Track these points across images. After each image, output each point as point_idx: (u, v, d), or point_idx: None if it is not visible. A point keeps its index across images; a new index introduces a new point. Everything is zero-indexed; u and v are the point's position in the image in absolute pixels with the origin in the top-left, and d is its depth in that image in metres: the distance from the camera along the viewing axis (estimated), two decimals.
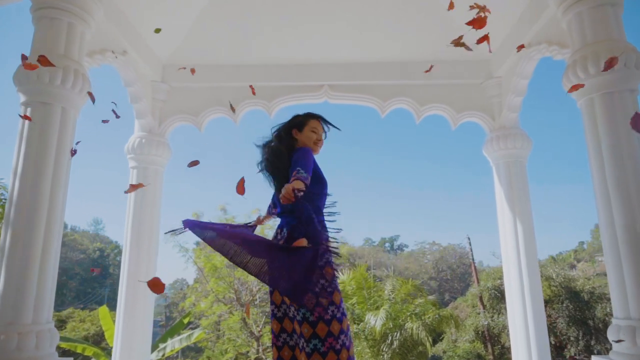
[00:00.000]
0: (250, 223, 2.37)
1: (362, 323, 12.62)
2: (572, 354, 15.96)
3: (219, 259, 16.55)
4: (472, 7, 2.39)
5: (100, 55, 3.70)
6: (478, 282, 20.56)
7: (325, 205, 2.19)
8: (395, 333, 12.28)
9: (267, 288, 18.46)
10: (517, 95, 4.32)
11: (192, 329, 20.72)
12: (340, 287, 2.08)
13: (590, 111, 2.93)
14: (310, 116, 2.46)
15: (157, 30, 3.71)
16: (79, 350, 9.86)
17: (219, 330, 21.07)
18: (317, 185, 2.17)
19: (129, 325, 4.25)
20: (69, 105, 3.06)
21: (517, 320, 4.27)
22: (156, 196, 4.58)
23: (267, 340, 15.65)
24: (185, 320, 11.49)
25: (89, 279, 42.56)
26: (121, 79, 4.31)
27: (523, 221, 4.30)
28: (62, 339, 11.02)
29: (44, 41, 3.05)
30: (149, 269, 4.45)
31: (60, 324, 24.18)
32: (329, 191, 2.21)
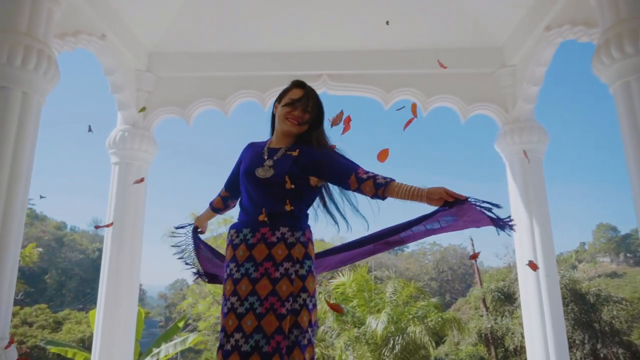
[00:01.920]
0: None
1: (362, 326, 12.25)
2: (578, 358, 15.59)
3: None
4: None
5: (73, 38, 3.33)
6: (481, 284, 20.19)
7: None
8: (397, 337, 11.90)
9: None
10: (533, 85, 3.96)
11: (190, 331, 20.46)
12: (317, 295, 1.89)
13: (627, 96, 2.56)
14: (293, 84, 2.01)
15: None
16: (69, 355, 9.49)
17: (217, 332, 20.75)
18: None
19: (109, 332, 3.90)
20: (31, 90, 2.70)
21: (534, 327, 3.89)
22: (140, 195, 4.22)
23: None
24: (180, 324, 11.13)
25: (88, 279, 42.34)
26: (101, 66, 3.95)
27: (540, 222, 3.93)
28: (53, 343, 10.68)
29: (3, 17, 2.68)
30: (131, 274, 4.09)
31: (57, 325, 23.90)
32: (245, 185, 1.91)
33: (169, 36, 4.43)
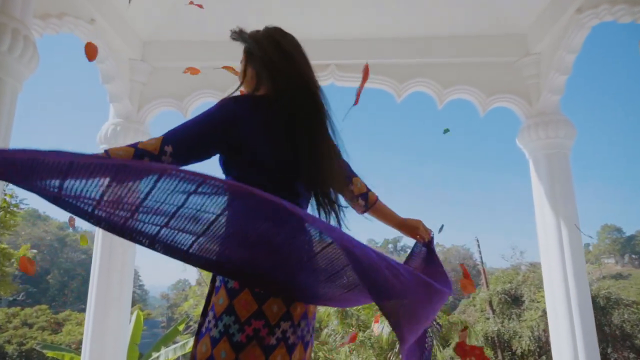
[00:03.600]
0: None
1: (367, 330, 11.93)
2: None
3: None
4: None
5: (56, 20, 3.02)
6: (487, 286, 19.82)
7: None
8: None
9: None
10: (561, 74, 3.63)
11: (192, 333, 20.15)
12: None
13: None
14: None
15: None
16: None
17: None
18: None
19: (99, 338, 3.61)
20: (6, 75, 2.39)
21: (562, 332, 3.56)
22: None
23: None
24: (181, 327, 10.82)
25: None
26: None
27: (568, 222, 3.60)
28: (50, 347, 10.37)
29: None
30: (123, 276, 3.78)
31: (57, 326, 23.66)
32: None
33: (165, 23, 4.13)
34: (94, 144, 4.01)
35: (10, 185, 7.54)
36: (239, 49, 4.65)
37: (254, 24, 4.13)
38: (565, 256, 3.56)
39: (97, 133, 3.97)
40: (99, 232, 3.84)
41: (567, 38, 3.43)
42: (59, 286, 42.58)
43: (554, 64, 3.62)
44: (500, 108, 4.10)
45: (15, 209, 6.77)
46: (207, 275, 17.33)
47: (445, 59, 4.05)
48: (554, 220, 3.65)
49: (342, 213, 1.33)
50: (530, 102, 3.94)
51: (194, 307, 21.26)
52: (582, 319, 3.44)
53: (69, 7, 3.17)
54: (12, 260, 7.04)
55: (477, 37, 4.01)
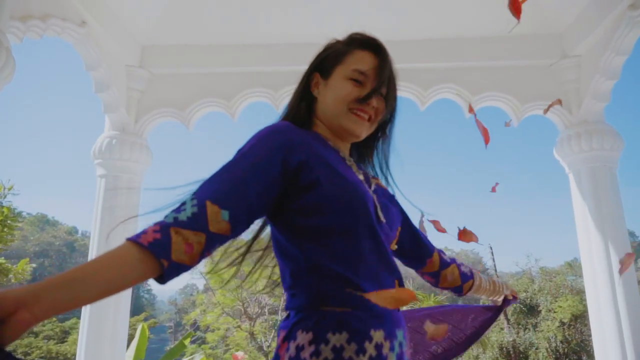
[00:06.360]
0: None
1: None
2: None
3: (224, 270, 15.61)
4: None
5: (40, 22, 2.67)
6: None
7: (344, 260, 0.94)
8: None
9: (276, 300, 17.68)
10: (607, 79, 3.22)
11: (200, 344, 19.86)
12: None
13: None
14: (356, 42, 1.10)
15: None
16: None
17: (227, 345, 20.13)
18: (316, 213, 0.94)
19: (93, 353, 3.25)
20: None
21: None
22: (130, 213, 3.54)
23: None
24: (187, 342, 10.44)
25: None
26: (82, 59, 3.29)
27: (618, 247, 3.18)
28: (52, 359, 10.05)
29: None
30: (118, 305, 3.41)
31: (63, 335, 23.40)
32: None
33: (164, 26, 3.78)
34: (89, 158, 3.66)
35: (9, 197, 7.21)
36: (245, 53, 4.14)
37: (262, 27, 3.74)
38: (616, 284, 3.14)
39: (92, 147, 3.62)
40: (93, 247, 3.50)
41: (616, 38, 3.03)
42: None
43: (599, 67, 3.21)
44: (536, 116, 3.70)
45: (11, 222, 6.42)
46: (215, 283, 16.97)
47: (474, 62, 3.66)
48: (602, 242, 3.23)
49: None
50: (570, 109, 3.53)
51: (201, 314, 20.97)
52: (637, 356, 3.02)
53: (55, 7, 2.82)
54: (10, 276, 6.71)
55: (509, 39, 3.61)
